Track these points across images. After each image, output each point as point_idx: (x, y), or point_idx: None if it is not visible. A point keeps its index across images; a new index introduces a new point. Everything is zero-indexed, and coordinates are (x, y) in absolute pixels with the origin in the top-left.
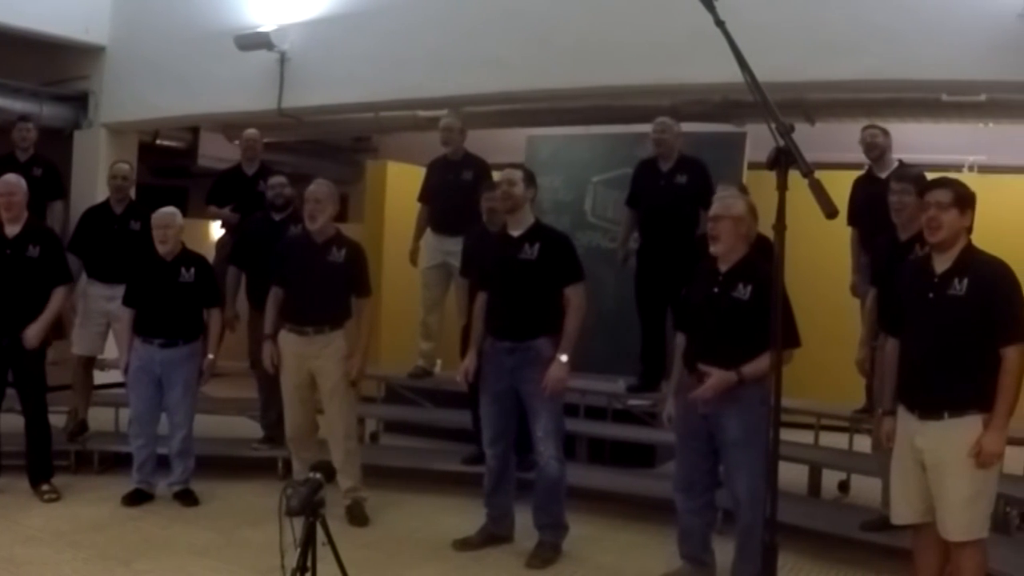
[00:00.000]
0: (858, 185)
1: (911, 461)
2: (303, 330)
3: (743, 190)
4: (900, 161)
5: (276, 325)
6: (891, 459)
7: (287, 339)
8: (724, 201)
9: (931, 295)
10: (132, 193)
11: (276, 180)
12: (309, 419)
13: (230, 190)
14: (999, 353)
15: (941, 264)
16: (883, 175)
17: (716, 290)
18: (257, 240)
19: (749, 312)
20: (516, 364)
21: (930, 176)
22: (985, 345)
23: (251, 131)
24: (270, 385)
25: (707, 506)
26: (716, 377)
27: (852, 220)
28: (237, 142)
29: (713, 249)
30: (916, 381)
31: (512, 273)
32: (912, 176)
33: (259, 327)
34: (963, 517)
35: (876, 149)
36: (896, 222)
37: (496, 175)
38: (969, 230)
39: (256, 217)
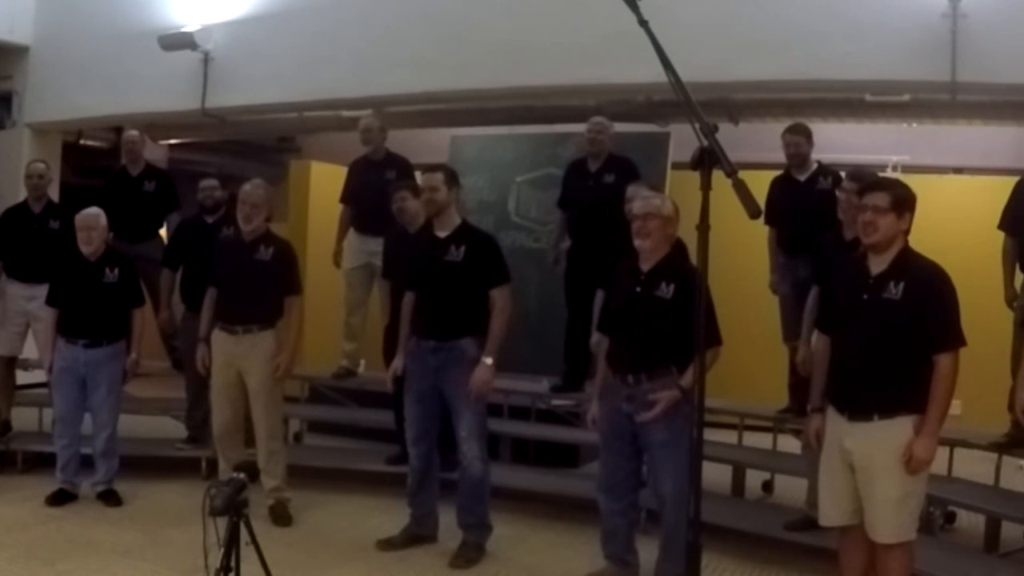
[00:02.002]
0: (776, 185)
1: (840, 463)
2: (233, 329)
3: (654, 189)
4: (818, 163)
5: (211, 327)
6: (819, 460)
7: (218, 338)
8: (652, 201)
9: (865, 296)
10: (51, 192)
11: (207, 183)
12: (237, 418)
13: (117, 192)
14: (932, 359)
15: (877, 266)
16: (801, 178)
17: (638, 289)
18: (190, 242)
19: (672, 311)
20: (440, 364)
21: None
22: (917, 350)
23: (131, 132)
24: (198, 385)
25: (631, 506)
26: (664, 401)
27: (770, 220)
28: (162, 142)
29: (640, 245)
30: (846, 383)
31: (438, 274)
32: (864, 176)
33: (191, 328)
34: (892, 519)
35: (800, 158)
36: (842, 220)
37: (419, 176)
38: (907, 232)
39: (189, 219)
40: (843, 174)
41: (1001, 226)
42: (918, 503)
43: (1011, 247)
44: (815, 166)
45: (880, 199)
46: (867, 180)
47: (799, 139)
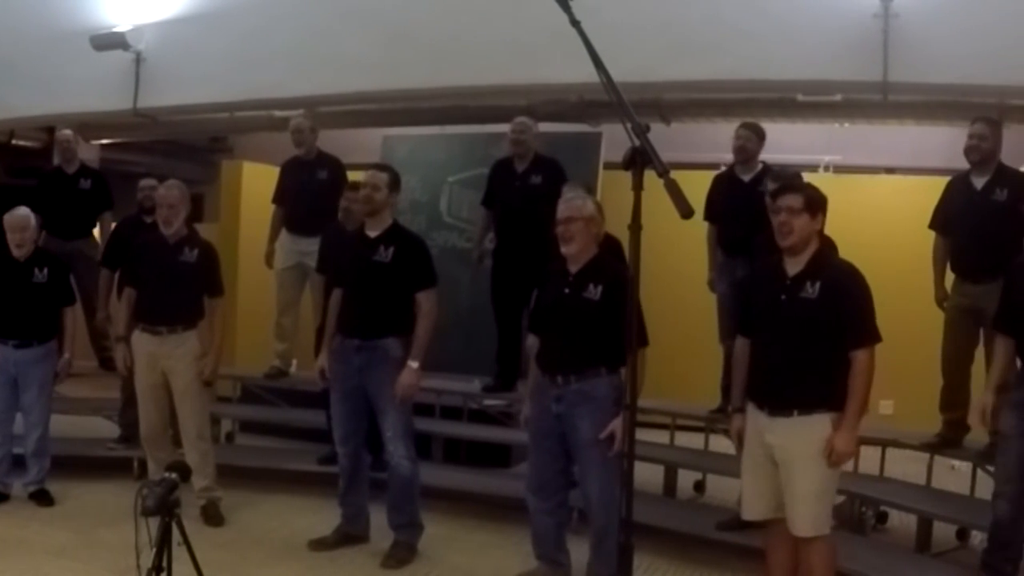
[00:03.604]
0: (718, 183)
1: (762, 457)
2: (156, 330)
3: (589, 190)
4: (764, 164)
5: (130, 326)
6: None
7: (140, 339)
8: (574, 203)
9: (783, 297)
10: None
11: (146, 183)
12: (163, 419)
13: (52, 190)
14: (849, 356)
15: (793, 267)
16: (746, 178)
17: (567, 291)
18: (129, 242)
19: (600, 312)
20: (364, 363)
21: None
22: (835, 347)
23: (65, 131)
24: (132, 384)
25: (560, 506)
26: (619, 428)
27: (710, 216)
28: (93, 142)
29: (565, 250)
30: (766, 380)
31: (365, 274)
32: (787, 176)
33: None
34: (809, 512)
35: (744, 153)
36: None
37: (359, 175)
38: (821, 232)
39: (128, 219)
40: None
41: (932, 225)
42: (832, 498)
43: (942, 247)
44: (760, 167)
45: (794, 200)
46: (787, 179)
47: (748, 134)
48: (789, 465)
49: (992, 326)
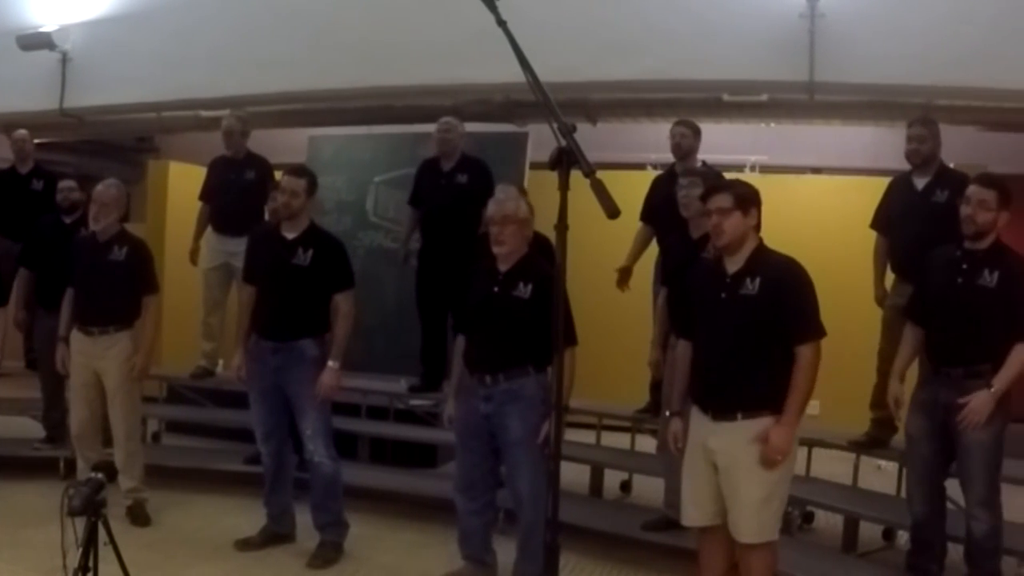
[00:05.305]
0: (658, 183)
1: (703, 463)
2: (89, 330)
3: (522, 192)
4: (703, 162)
5: (70, 327)
6: (680, 460)
7: (74, 338)
8: (506, 204)
9: (723, 295)
10: None
11: (65, 184)
12: (94, 418)
13: (4, 190)
14: (793, 352)
15: (732, 265)
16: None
17: (496, 289)
18: (47, 242)
19: (529, 310)
20: (280, 364)
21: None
22: (779, 345)
23: (20, 131)
24: (53, 385)
25: (488, 506)
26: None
27: (646, 217)
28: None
29: (498, 251)
30: (709, 382)
31: (284, 276)
32: (700, 171)
33: (46, 328)
34: (755, 519)
35: (680, 150)
36: (686, 217)
37: (279, 176)
38: (757, 228)
39: (47, 220)
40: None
41: (873, 225)
42: (782, 503)
43: (882, 246)
44: (699, 165)
45: (723, 200)
46: (699, 174)
47: (683, 130)
48: (732, 471)
49: (903, 313)
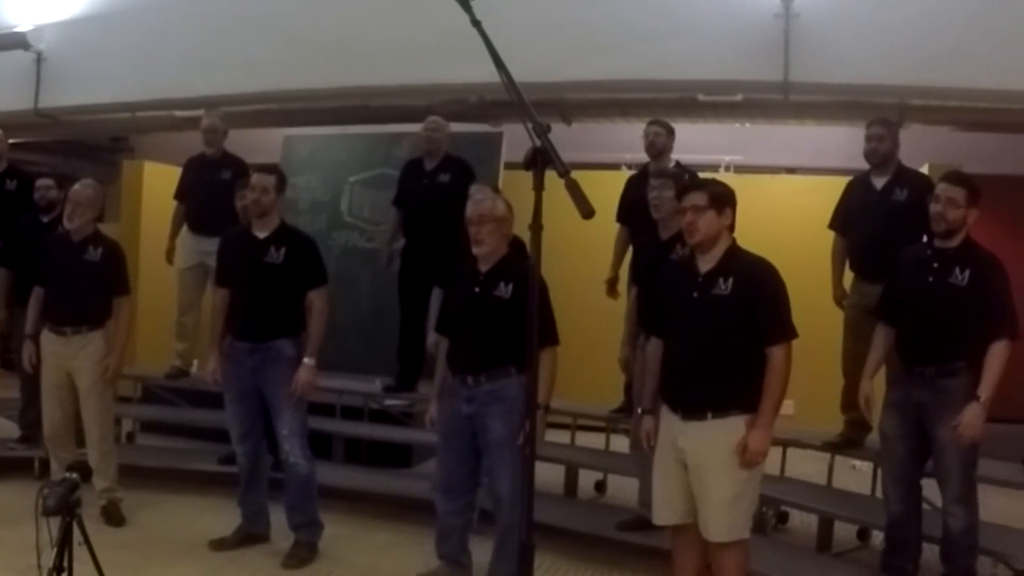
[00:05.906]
0: (632, 183)
1: (673, 462)
2: (61, 330)
3: (496, 191)
4: (677, 162)
5: (37, 325)
6: (652, 459)
7: (46, 339)
8: (482, 204)
9: (695, 295)
10: None
11: (43, 182)
12: (67, 419)
13: None
14: (765, 353)
15: (705, 264)
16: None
17: (477, 290)
18: (26, 241)
19: (510, 311)
20: (257, 364)
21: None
22: (750, 345)
23: None
24: (32, 384)
25: (468, 507)
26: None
27: (622, 217)
28: None
29: (477, 251)
30: (679, 381)
31: (257, 276)
32: (671, 172)
33: (24, 327)
34: (725, 518)
35: (655, 149)
36: (656, 219)
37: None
38: (731, 228)
39: (25, 219)
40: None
41: (832, 225)
42: (752, 502)
43: (841, 247)
44: (673, 164)
45: (698, 198)
46: (670, 174)
47: (657, 129)
48: (702, 470)
49: (873, 313)
